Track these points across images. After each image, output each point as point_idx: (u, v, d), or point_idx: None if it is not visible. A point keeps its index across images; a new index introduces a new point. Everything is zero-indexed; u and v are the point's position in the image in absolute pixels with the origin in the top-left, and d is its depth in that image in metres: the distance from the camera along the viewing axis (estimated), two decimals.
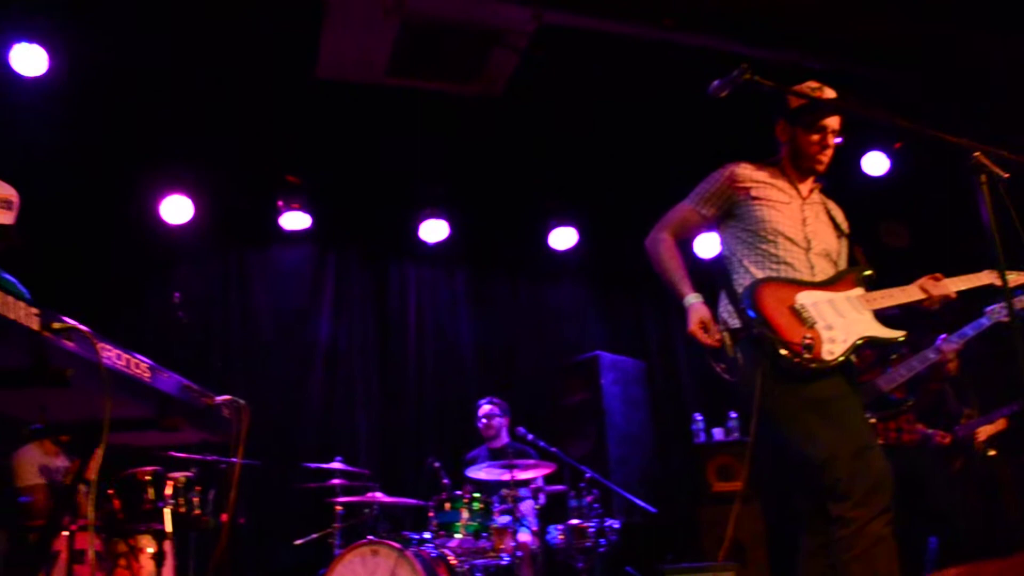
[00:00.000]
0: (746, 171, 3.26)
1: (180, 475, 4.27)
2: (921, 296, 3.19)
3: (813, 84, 3.20)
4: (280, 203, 6.69)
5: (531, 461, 5.59)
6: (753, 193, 3.21)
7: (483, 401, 6.44)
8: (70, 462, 4.73)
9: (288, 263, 7.16)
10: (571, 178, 7.08)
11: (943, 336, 4.37)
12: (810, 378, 2.93)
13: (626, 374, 7.11)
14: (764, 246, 3.16)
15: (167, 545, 4.15)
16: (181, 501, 4.23)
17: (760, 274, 3.12)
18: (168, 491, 4.17)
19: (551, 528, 5.54)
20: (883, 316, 3.14)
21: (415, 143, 6.50)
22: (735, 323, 3.08)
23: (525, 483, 5.65)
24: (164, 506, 4.14)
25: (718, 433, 6.64)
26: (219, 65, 5.65)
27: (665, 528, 6.41)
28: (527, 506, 5.69)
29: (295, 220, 6.77)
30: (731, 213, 3.26)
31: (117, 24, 5.26)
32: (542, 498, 5.83)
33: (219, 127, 6.11)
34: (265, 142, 6.34)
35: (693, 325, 3.08)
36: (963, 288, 3.27)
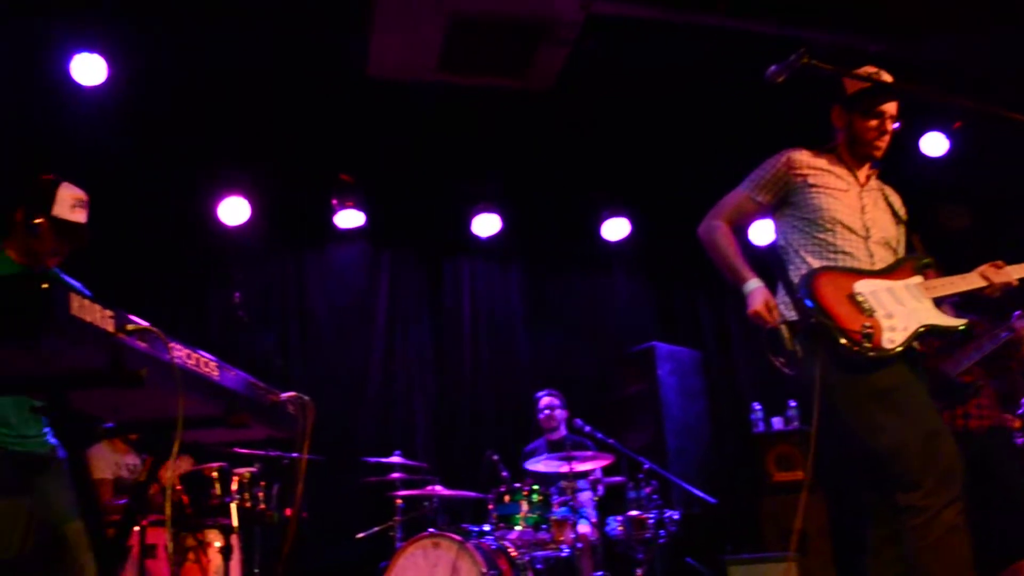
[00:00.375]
0: (803, 157, 3.21)
1: (245, 471, 4.35)
2: (982, 284, 3.12)
3: (871, 69, 3.14)
4: (335, 202, 6.78)
5: (589, 453, 5.59)
6: (810, 180, 3.16)
7: (542, 393, 6.46)
8: (139, 459, 4.86)
9: (344, 261, 7.25)
10: (622, 169, 7.04)
11: (1018, 312, 4.24)
12: (872, 367, 2.87)
13: (682, 364, 7.07)
14: (822, 235, 3.11)
15: (234, 539, 4.22)
16: (246, 496, 4.29)
17: (817, 264, 3.07)
18: (234, 487, 4.25)
19: (610, 520, 5.54)
20: (944, 303, 3.08)
21: (466, 138, 6.52)
22: (792, 315, 3.04)
23: (583, 475, 5.65)
24: (231, 501, 4.22)
25: (777, 422, 6.56)
26: (271, 67, 5.74)
27: (725, 519, 6.36)
28: (586, 498, 5.69)
29: (350, 218, 6.86)
30: (787, 201, 3.21)
31: (170, 30, 5.37)
32: (600, 490, 5.83)
33: (273, 129, 6.20)
34: (318, 142, 6.42)
35: (756, 305, 3.01)
36: None
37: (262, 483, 4.43)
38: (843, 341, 2.85)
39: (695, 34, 5.50)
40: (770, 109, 5.50)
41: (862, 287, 2.99)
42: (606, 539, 5.56)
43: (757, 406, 6.65)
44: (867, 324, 2.85)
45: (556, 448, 6.04)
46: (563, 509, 5.24)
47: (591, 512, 5.63)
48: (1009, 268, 3.15)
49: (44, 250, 3.25)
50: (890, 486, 2.85)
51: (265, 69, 5.74)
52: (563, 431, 6.32)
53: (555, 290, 7.71)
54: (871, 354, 2.84)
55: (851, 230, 3.11)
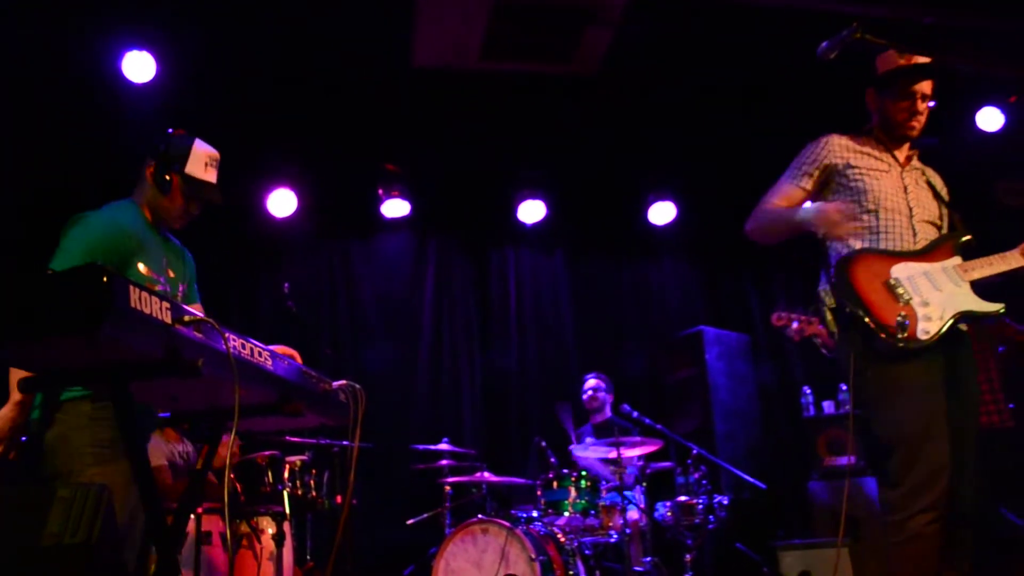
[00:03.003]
0: (842, 140, 3.21)
1: (296, 459, 4.40)
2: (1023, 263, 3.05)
3: (896, 53, 3.09)
4: (380, 192, 6.83)
5: (636, 439, 5.58)
6: (852, 162, 3.15)
7: (589, 375, 6.49)
8: (191, 447, 4.95)
9: (390, 250, 7.30)
10: (667, 152, 6.98)
11: None
12: (903, 358, 2.84)
13: (731, 348, 7.01)
14: (864, 216, 3.08)
15: (286, 526, 4.28)
16: (298, 484, 4.34)
17: (857, 246, 3.04)
18: (285, 474, 4.31)
19: (659, 505, 5.52)
20: (983, 286, 3.00)
21: (511, 125, 6.50)
22: (832, 302, 3.02)
23: (631, 461, 5.64)
24: (283, 489, 4.27)
25: (828, 406, 6.46)
26: (317, 59, 5.77)
27: (775, 504, 6.31)
28: (634, 484, 5.68)
29: (396, 208, 6.91)
30: (828, 185, 3.20)
31: (215, 25, 5.42)
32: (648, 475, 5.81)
33: (319, 120, 6.25)
34: (363, 133, 6.45)
35: (828, 211, 3.00)
36: None
37: (313, 471, 4.48)
38: (881, 335, 2.82)
39: (741, 13, 5.42)
40: (818, 90, 5.40)
41: (899, 272, 2.95)
42: (655, 525, 5.54)
43: (807, 390, 6.56)
44: (902, 313, 2.82)
45: (602, 432, 6.04)
46: (611, 495, 5.24)
47: (640, 498, 5.62)
48: None
49: (173, 210, 3.02)
50: (880, 477, 2.89)
51: (310, 61, 5.77)
52: (607, 414, 6.32)
53: (602, 276, 7.69)
54: (911, 346, 2.81)
55: (894, 210, 3.08)
